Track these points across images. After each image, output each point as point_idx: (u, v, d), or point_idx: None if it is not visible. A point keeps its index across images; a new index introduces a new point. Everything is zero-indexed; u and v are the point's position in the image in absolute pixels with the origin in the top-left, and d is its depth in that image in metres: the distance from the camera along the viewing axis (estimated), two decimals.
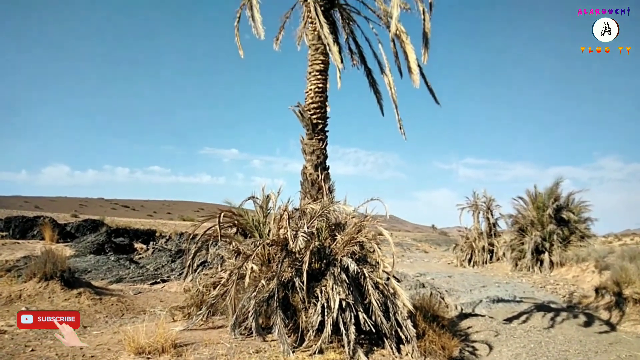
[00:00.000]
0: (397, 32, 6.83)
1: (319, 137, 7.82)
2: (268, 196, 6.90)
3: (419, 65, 6.94)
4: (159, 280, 11.21)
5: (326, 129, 8.03)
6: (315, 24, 7.51)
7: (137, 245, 19.24)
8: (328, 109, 8.14)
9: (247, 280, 5.30)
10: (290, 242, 5.38)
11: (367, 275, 5.69)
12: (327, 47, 7.09)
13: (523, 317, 9.42)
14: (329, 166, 7.82)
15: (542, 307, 10.21)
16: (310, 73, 8.05)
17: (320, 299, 5.37)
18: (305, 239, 5.39)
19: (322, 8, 7.84)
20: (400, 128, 7.34)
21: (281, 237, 5.97)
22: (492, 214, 21.50)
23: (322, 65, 7.95)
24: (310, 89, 8.00)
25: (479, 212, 21.76)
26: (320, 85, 7.95)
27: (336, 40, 8.88)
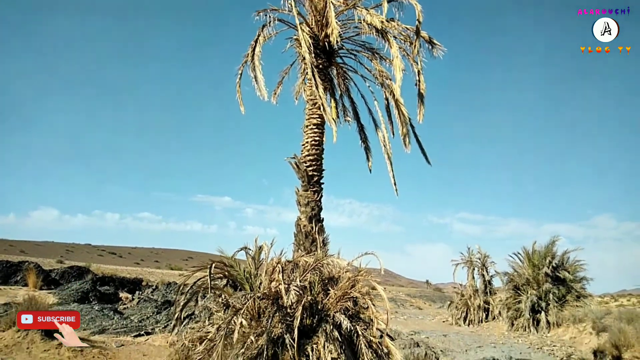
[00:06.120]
0: (396, 97, 7.06)
1: (314, 189, 7.86)
2: (261, 247, 6.79)
3: (411, 125, 7.14)
4: (142, 332, 10.72)
5: (322, 181, 8.09)
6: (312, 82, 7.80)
7: (123, 295, 18.62)
8: (324, 162, 8.26)
9: (235, 335, 5.08)
10: (283, 296, 5.23)
11: (360, 333, 5.48)
12: (322, 108, 7.26)
13: None
14: (323, 218, 7.80)
15: None
16: (307, 126, 8.24)
17: (311, 357, 5.14)
18: (298, 293, 5.25)
19: (320, 66, 8.19)
20: (395, 184, 7.43)
21: (272, 290, 5.80)
22: (487, 271, 21.27)
23: (319, 120, 8.15)
24: (307, 142, 8.14)
25: (474, 269, 21.52)
26: (316, 138, 8.11)
27: (332, 96, 9.21)
